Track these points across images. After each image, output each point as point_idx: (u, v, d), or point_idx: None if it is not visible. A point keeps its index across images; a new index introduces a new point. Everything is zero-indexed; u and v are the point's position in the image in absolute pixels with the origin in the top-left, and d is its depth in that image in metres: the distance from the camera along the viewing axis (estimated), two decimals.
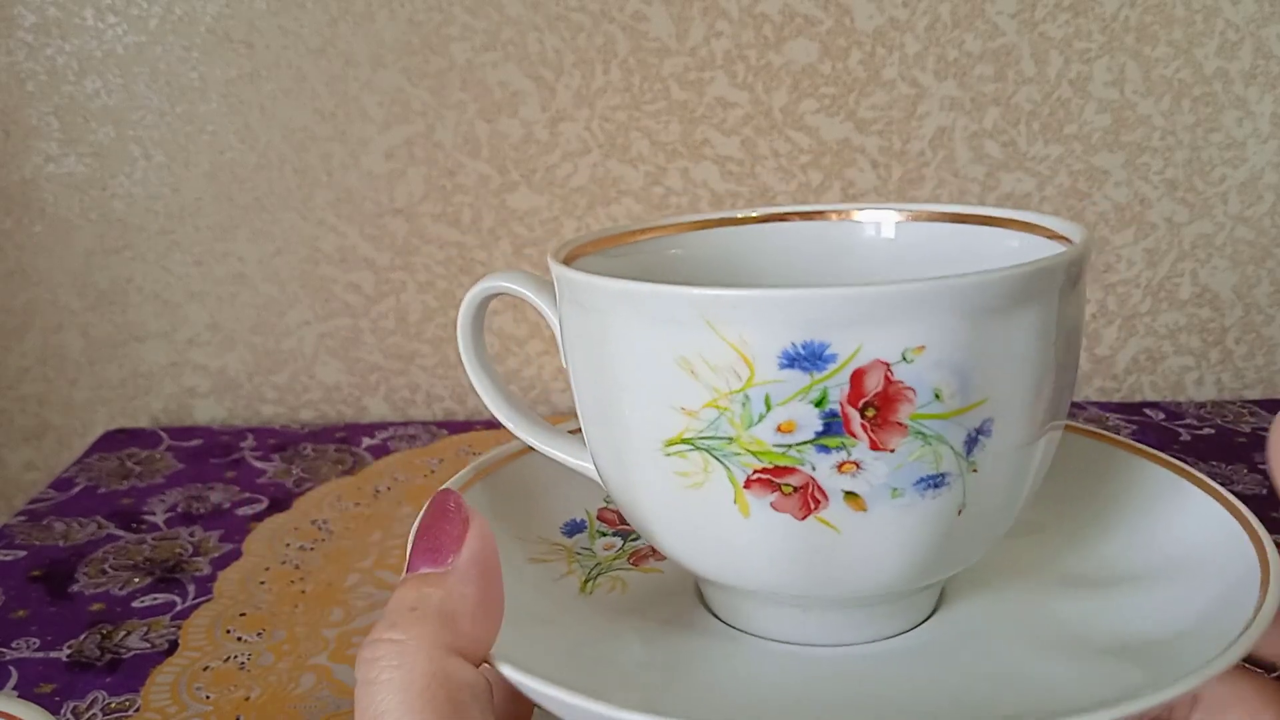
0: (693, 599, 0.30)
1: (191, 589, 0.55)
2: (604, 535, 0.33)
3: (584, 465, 0.31)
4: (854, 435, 0.22)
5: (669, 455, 0.23)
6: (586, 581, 0.30)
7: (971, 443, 0.23)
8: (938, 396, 0.22)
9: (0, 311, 0.78)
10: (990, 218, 0.31)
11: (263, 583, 0.55)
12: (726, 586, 0.26)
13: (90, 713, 0.46)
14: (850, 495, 0.22)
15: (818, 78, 0.75)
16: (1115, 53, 0.75)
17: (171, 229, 0.77)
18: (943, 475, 0.23)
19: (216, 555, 0.59)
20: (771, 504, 0.23)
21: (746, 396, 0.22)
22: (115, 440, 0.75)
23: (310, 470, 0.69)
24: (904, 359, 0.21)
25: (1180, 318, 0.81)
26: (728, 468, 0.23)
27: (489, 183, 0.77)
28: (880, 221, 0.31)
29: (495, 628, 0.22)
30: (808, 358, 0.21)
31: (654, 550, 0.32)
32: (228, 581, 0.56)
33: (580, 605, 0.29)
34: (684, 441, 0.23)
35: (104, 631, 0.51)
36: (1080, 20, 0.74)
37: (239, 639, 0.50)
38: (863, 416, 0.22)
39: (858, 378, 0.21)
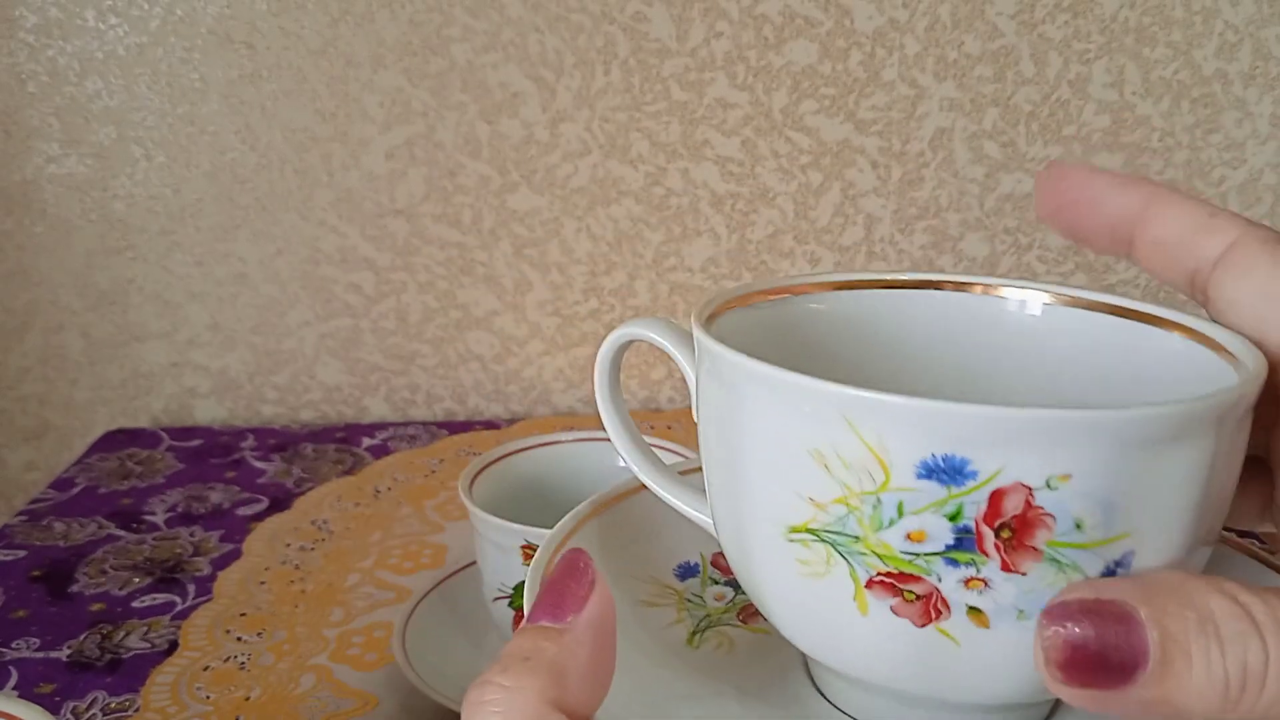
0: (799, 670, 0.29)
1: (191, 589, 0.55)
2: (716, 584, 0.32)
3: (706, 520, 0.30)
4: (985, 554, 0.21)
5: (792, 541, 0.23)
6: (694, 635, 0.30)
7: (1109, 574, 0.22)
8: (1079, 527, 0.21)
9: (1, 312, 0.78)
10: (1150, 316, 0.30)
11: (263, 583, 0.56)
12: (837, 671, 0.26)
13: (90, 713, 0.46)
14: (974, 610, 0.22)
15: (818, 79, 0.75)
16: (1114, 54, 0.75)
17: (172, 229, 0.77)
18: None
19: (217, 555, 0.59)
20: (892, 608, 0.22)
21: (879, 500, 0.21)
22: (116, 440, 0.75)
23: (310, 470, 0.70)
24: (1048, 485, 0.20)
25: None
26: (851, 565, 0.22)
27: (489, 183, 0.77)
28: (1026, 300, 0.30)
29: (603, 692, 0.23)
30: (947, 471, 0.21)
31: None
32: (228, 581, 0.56)
33: (685, 658, 0.29)
34: (809, 531, 0.23)
35: (104, 631, 0.52)
36: (1079, 21, 0.74)
37: (239, 639, 0.51)
38: (997, 537, 0.21)
39: (997, 498, 0.21)
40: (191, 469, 0.70)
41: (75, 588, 0.55)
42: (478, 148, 0.76)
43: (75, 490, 0.67)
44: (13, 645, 0.50)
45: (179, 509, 0.64)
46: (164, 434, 0.76)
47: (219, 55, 0.73)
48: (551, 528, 0.43)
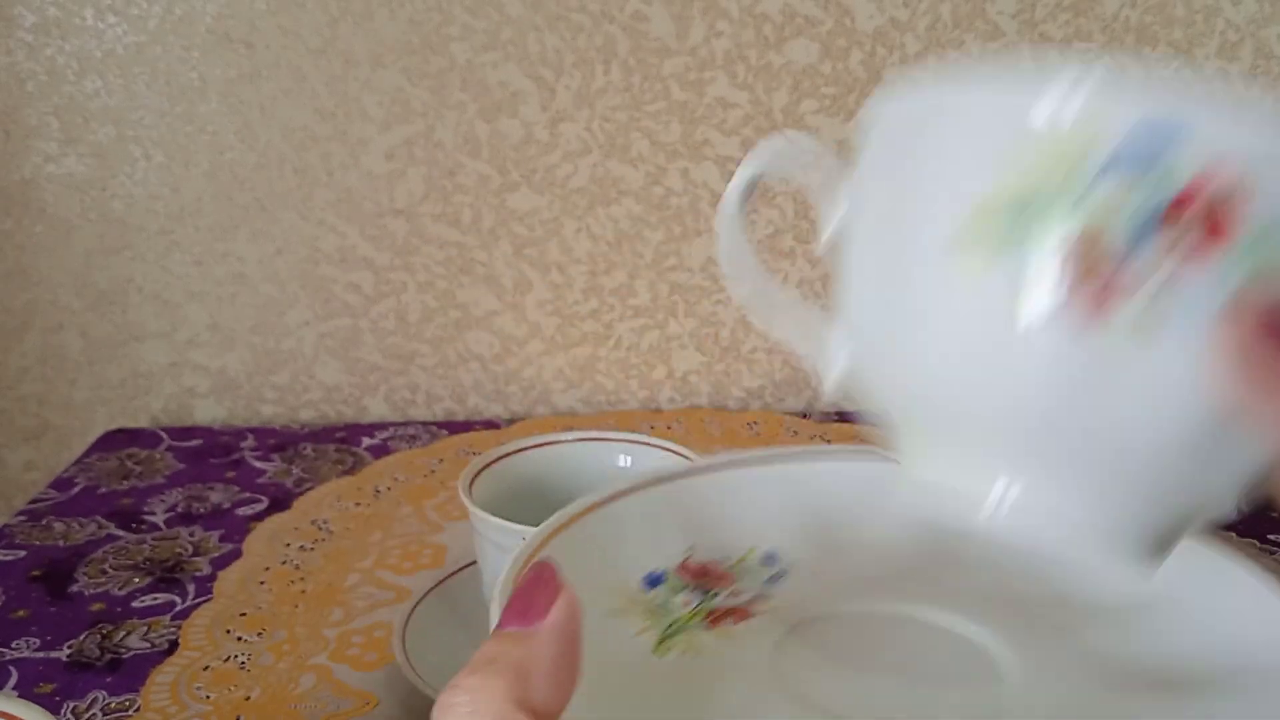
0: (766, 674, 0.29)
1: (191, 589, 0.55)
2: (683, 590, 0.33)
3: (813, 346, 0.30)
4: (1174, 237, 0.21)
5: (957, 244, 0.22)
6: (660, 643, 0.30)
7: None
8: (1269, 221, 0.21)
9: (0, 311, 0.78)
10: None
11: (263, 583, 0.55)
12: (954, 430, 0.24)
13: (90, 713, 0.46)
14: (1154, 300, 0.21)
15: (818, 78, 0.75)
16: (1116, 53, 0.75)
17: (171, 229, 0.77)
18: None
19: (216, 555, 0.59)
20: (1068, 292, 0.21)
21: (1067, 180, 0.21)
22: (115, 440, 0.75)
23: (310, 470, 0.69)
24: (1239, 177, 0.21)
25: None
26: (1023, 255, 0.21)
27: (489, 183, 0.76)
28: None
29: (567, 695, 0.23)
30: (1142, 150, 0.21)
31: (731, 611, 0.32)
32: (228, 581, 0.56)
33: (651, 668, 0.29)
34: (981, 228, 0.22)
35: (104, 631, 0.51)
36: (1081, 20, 0.74)
37: (239, 639, 0.50)
38: (1188, 224, 0.21)
39: (1193, 185, 0.21)
40: (191, 469, 0.70)
41: (75, 588, 0.55)
42: (477, 147, 0.76)
43: (75, 490, 0.67)
44: (12, 645, 0.50)
45: (179, 509, 0.64)
46: (163, 434, 0.76)
47: (218, 54, 0.73)
48: None
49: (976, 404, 0.23)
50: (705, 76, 0.75)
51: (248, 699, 0.46)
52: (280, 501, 0.65)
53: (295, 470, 0.69)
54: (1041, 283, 0.21)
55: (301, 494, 0.66)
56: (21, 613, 0.53)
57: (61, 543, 0.60)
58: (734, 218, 0.31)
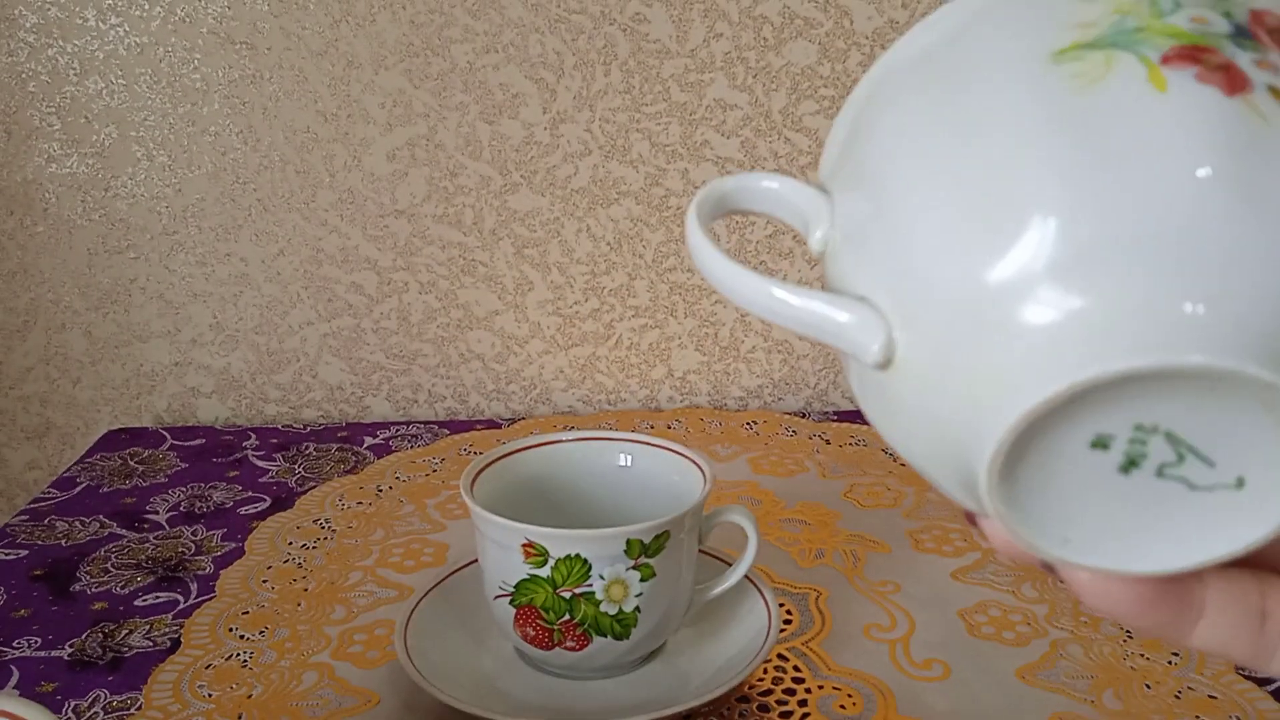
0: None
1: (194, 587, 0.55)
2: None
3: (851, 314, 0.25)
4: (1265, 44, 0.21)
5: (1061, 62, 0.21)
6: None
7: None
8: None
9: (3, 311, 0.78)
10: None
11: (265, 581, 0.56)
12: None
13: (92, 711, 0.46)
14: (1274, 90, 0.20)
15: (817, 79, 0.75)
16: None
17: (174, 229, 0.77)
18: None
19: (219, 554, 0.59)
20: (1196, 74, 0.20)
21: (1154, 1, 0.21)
22: (118, 439, 0.75)
23: (313, 469, 0.70)
24: None
25: None
26: (1136, 53, 0.21)
27: (490, 184, 0.77)
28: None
29: None
30: None
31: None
32: (230, 580, 0.56)
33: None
34: (1080, 47, 0.21)
35: (106, 630, 0.52)
36: None
37: (241, 637, 0.51)
38: (1270, 34, 0.21)
39: (1258, 13, 0.21)
40: (194, 468, 0.70)
41: (77, 586, 0.56)
42: (479, 148, 0.76)
43: (77, 489, 0.67)
44: (14, 644, 0.51)
45: (181, 508, 0.64)
46: (166, 433, 0.76)
47: (220, 56, 0.74)
48: (552, 526, 0.44)
49: (1138, 218, 0.20)
50: (705, 78, 0.75)
51: (250, 697, 0.46)
52: (283, 500, 0.65)
53: (298, 469, 0.70)
54: (1170, 66, 0.21)
55: (304, 493, 0.66)
56: (23, 612, 0.53)
57: (64, 542, 0.60)
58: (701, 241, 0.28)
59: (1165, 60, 0.20)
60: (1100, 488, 0.21)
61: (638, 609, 0.44)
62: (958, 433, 0.22)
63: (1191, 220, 0.20)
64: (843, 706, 0.46)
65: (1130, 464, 0.21)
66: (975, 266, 0.21)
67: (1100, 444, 0.21)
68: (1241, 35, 0.21)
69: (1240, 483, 0.21)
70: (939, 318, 0.22)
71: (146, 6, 0.73)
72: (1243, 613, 0.22)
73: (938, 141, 0.23)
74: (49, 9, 0.72)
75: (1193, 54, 0.20)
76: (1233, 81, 0.20)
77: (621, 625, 0.44)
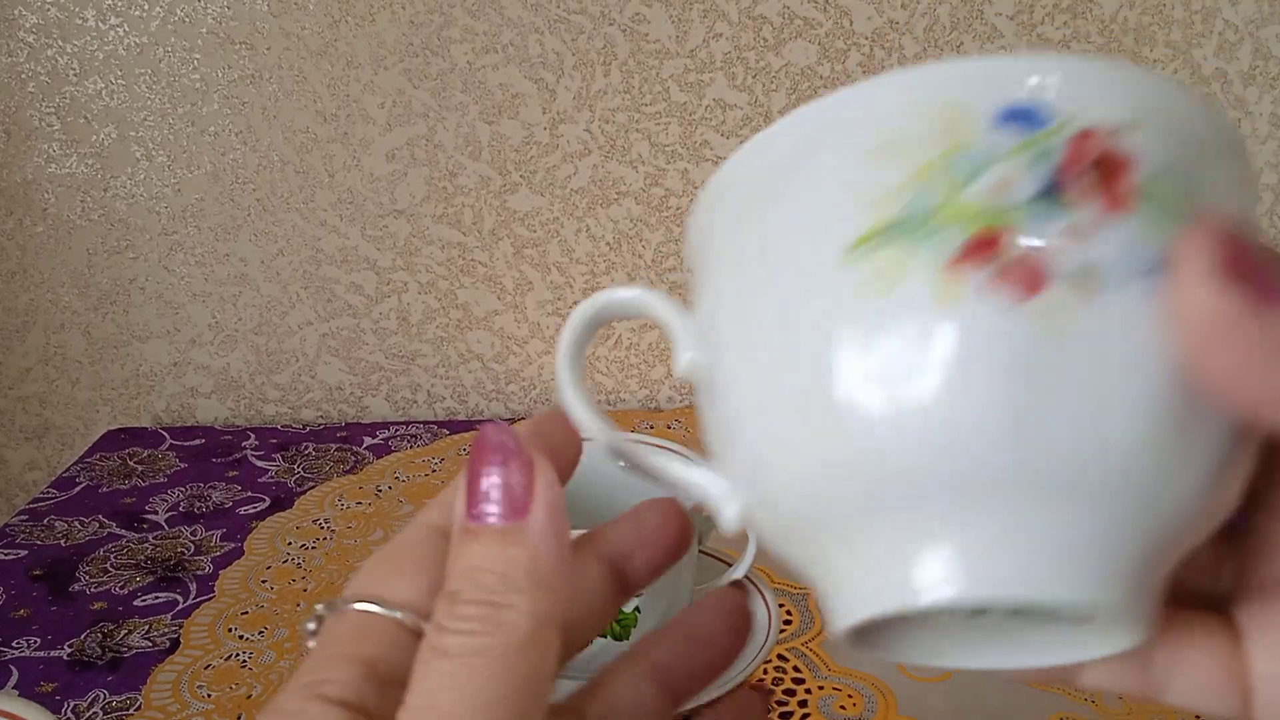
0: None
1: (193, 587, 0.55)
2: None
3: (697, 474, 0.27)
4: (1077, 200, 0.19)
5: (854, 262, 0.20)
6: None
7: None
8: (1161, 176, 0.20)
9: (2, 311, 0.78)
10: None
11: (264, 581, 0.56)
12: (886, 504, 0.21)
13: (91, 711, 0.46)
14: (1078, 274, 0.19)
15: (817, 79, 0.75)
16: (1114, 54, 0.75)
17: (174, 229, 0.77)
18: None
19: (218, 554, 0.59)
20: (985, 281, 0.19)
21: (953, 161, 0.20)
22: (117, 439, 0.75)
23: (312, 469, 0.70)
24: (1123, 130, 0.20)
25: None
26: (929, 249, 0.19)
27: (490, 184, 0.77)
28: None
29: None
30: (1022, 118, 0.20)
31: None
32: (229, 580, 0.56)
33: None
34: (874, 236, 0.20)
35: (105, 630, 0.52)
36: (1079, 22, 0.74)
37: (241, 637, 0.51)
38: (1086, 182, 0.19)
39: (1077, 140, 0.19)
40: (193, 468, 0.70)
41: (76, 586, 0.55)
42: (478, 149, 0.76)
43: (77, 489, 0.67)
44: (14, 644, 0.51)
45: (180, 508, 0.64)
46: (165, 433, 0.76)
47: (220, 56, 0.74)
48: None
49: (903, 439, 0.20)
50: (704, 78, 0.75)
51: (249, 697, 0.46)
52: (282, 500, 0.65)
53: (297, 469, 0.70)
54: (960, 269, 0.19)
55: (303, 493, 0.66)
56: (23, 612, 0.53)
57: (63, 542, 0.60)
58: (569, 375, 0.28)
59: (955, 262, 0.19)
60: (957, 622, 0.22)
61: (637, 610, 0.44)
62: (812, 583, 0.23)
63: (977, 452, 0.20)
64: (843, 707, 0.46)
65: (980, 612, 0.22)
66: (795, 473, 0.22)
67: (947, 611, 0.22)
68: (1050, 193, 0.19)
69: (1089, 616, 0.21)
70: (775, 513, 0.23)
71: (146, 7, 0.72)
72: (1123, 659, 0.23)
73: (756, 331, 0.22)
74: (49, 9, 0.72)
75: (984, 250, 0.19)
76: (1027, 281, 0.19)
77: (621, 626, 0.44)
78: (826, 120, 0.21)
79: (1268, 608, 0.22)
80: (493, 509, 0.21)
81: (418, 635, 0.22)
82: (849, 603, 0.21)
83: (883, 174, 0.20)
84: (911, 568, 0.20)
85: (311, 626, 0.23)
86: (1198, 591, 0.24)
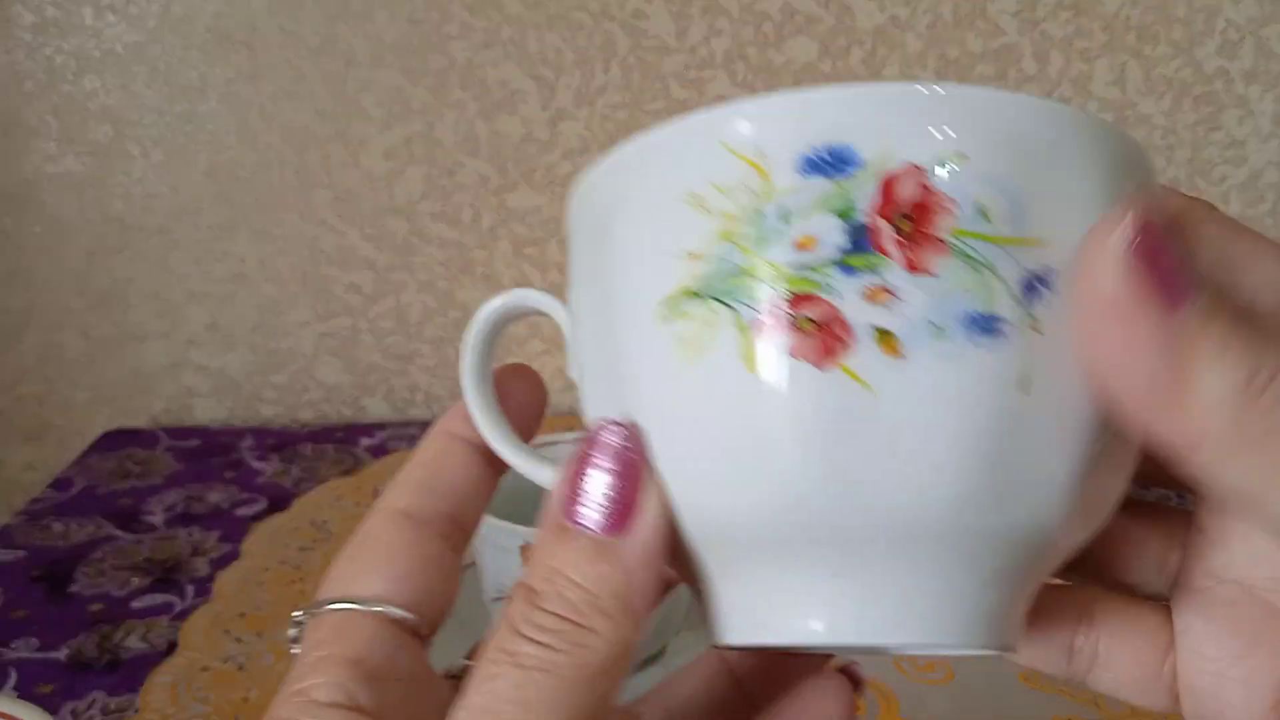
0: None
1: (190, 589, 0.55)
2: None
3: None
4: (885, 252, 0.18)
5: (667, 319, 0.20)
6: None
7: (1030, 289, 0.19)
8: (985, 215, 0.19)
9: None
10: None
11: (262, 583, 0.55)
12: (733, 548, 0.21)
13: (89, 713, 0.45)
14: (882, 334, 0.18)
15: (818, 76, 0.75)
16: (1116, 52, 0.75)
17: (171, 229, 0.77)
18: (995, 319, 0.19)
19: (215, 556, 0.58)
20: (787, 348, 0.19)
21: (761, 211, 0.19)
22: (114, 440, 0.75)
23: (309, 470, 0.69)
24: (943, 166, 0.19)
25: None
26: (735, 310, 0.19)
27: (489, 182, 0.76)
28: None
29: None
30: (832, 162, 0.19)
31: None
32: (227, 582, 0.55)
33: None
34: (686, 294, 0.20)
35: (103, 632, 0.51)
36: (1081, 19, 0.74)
37: (238, 640, 0.50)
38: (896, 230, 0.18)
39: (889, 185, 0.18)
40: (190, 469, 0.70)
41: (74, 588, 0.55)
42: (477, 146, 0.75)
43: (74, 490, 0.67)
44: (12, 645, 0.50)
45: (178, 509, 0.64)
46: (163, 434, 0.76)
47: (217, 54, 0.73)
48: None
49: (721, 495, 0.20)
50: (705, 75, 0.74)
51: (246, 700, 0.46)
52: (279, 502, 0.65)
53: (294, 470, 0.69)
54: (764, 335, 0.19)
55: (301, 494, 0.66)
56: (21, 613, 0.53)
57: (61, 543, 0.60)
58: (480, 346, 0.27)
59: (759, 328, 0.19)
60: None
61: None
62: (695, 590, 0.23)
63: (799, 513, 0.19)
64: None
65: None
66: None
67: None
68: (856, 248, 0.18)
69: None
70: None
71: (143, 4, 0.72)
72: (1048, 644, 0.24)
73: (594, 371, 0.23)
74: (46, 8, 0.72)
75: (785, 315, 0.19)
76: (826, 347, 0.19)
77: None
78: (646, 162, 0.21)
79: (1198, 604, 0.22)
80: (594, 515, 0.20)
81: (398, 625, 0.22)
82: (727, 625, 0.22)
83: (694, 224, 0.20)
84: (758, 609, 0.21)
85: (293, 634, 0.22)
86: (1146, 586, 0.24)
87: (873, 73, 0.75)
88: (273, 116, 0.74)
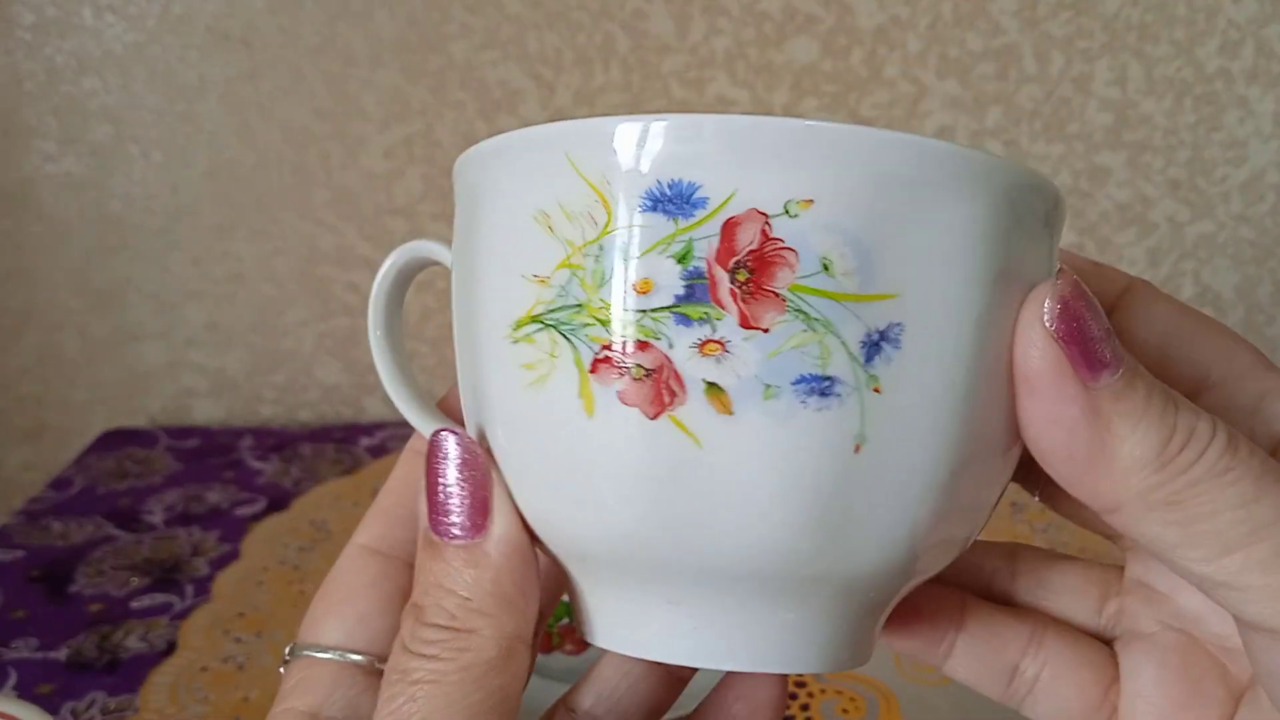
0: None
1: (190, 589, 0.55)
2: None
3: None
4: (720, 304, 0.18)
5: (516, 342, 0.20)
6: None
7: (872, 348, 0.18)
8: (826, 268, 0.18)
9: None
10: None
11: (261, 583, 0.55)
12: (580, 561, 0.21)
13: (89, 713, 0.45)
14: (713, 389, 0.18)
15: (819, 76, 0.75)
16: (1117, 51, 0.75)
17: (170, 229, 0.77)
18: (831, 381, 0.18)
19: (215, 555, 0.58)
20: (619, 393, 0.18)
21: (600, 248, 0.18)
22: (113, 440, 0.74)
23: (308, 470, 0.69)
24: (786, 212, 0.18)
25: None
26: (575, 346, 0.19)
27: None
28: None
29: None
30: (674, 199, 0.18)
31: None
32: (226, 582, 0.55)
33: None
34: (532, 320, 0.19)
35: (102, 632, 0.51)
36: (1082, 19, 0.74)
37: (237, 640, 0.50)
38: (733, 281, 0.18)
39: (730, 229, 0.18)
40: (189, 469, 0.70)
41: (74, 588, 0.55)
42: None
43: (73, 490, 0.66)
44: (11, 645, 0.50)
45: (177, 509, 0.64)
46: (162, 434, 0.76)
47: (216, 54, 0.73)
48: None
49: (563, 522, 0.20)
50: (705, 75, 0.74)
51: (246, 700, 0.46)
52: (278, 502, 0.65)
53: (293, 470, 0.69)
54: (598, 376, 0.19)
55: (300, 494, 0.66)
56: (20, 613, 0.53)
57: (60, 543, 0.60)
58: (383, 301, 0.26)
59: (594, 369, 0.19)
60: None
61: None
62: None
63: (634, 547, 0.20)
64: (845, 710, 0.45)
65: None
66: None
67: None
68: (692, 297, 0.18)
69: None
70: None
71: (143, 4, 0.72)
72: (990, 664, 0.25)
73: (459, 361, 0.23)
74: (46, 8, 0.72)
75: (617, 362, 0.18)
76: (657, 397, 0.18)
77: None
78: (507, 164, 0.20)
79: (1147, 649, 0.23)
80: (454, 520, 0.20)
81: (359, 669, 0.23)
82: (590, 627, 0.22)
83: (544, 247, 0.19)
84: (616, 621, 0.22)
85: (281, 671, 0.24)
86: (1087, 626, 0.25)
87: (873, 73, 0.75)
88: (272, 116, 0.74)
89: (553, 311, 0.19)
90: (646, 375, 0.18)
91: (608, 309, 0.19)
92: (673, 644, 0.21)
